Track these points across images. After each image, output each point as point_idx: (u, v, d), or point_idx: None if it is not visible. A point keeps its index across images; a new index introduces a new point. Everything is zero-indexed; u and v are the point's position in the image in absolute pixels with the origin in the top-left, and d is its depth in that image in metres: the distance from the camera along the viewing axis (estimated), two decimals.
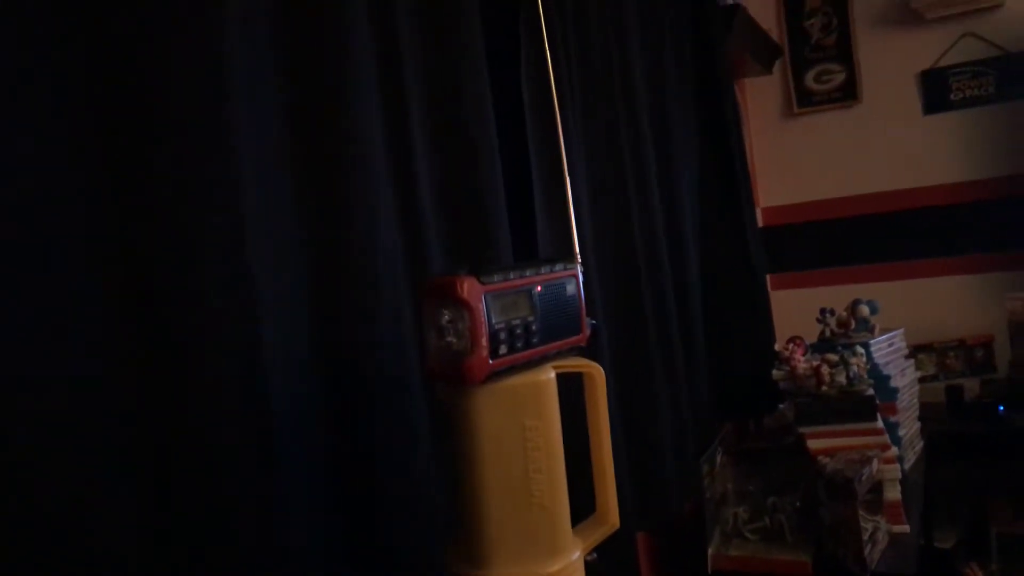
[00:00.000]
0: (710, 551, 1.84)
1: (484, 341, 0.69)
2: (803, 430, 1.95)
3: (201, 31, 0.74)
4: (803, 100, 2.99)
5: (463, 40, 1.09)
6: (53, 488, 0.62)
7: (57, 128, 0.65)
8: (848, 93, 2.92)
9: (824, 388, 1.94)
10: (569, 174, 1.27)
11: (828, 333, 2.33)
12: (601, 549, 0.82)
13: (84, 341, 0.65)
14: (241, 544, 0.73)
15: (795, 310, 2.64)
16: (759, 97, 3.03)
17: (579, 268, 0.80)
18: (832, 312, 2.35)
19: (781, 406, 2.28)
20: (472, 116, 1.09)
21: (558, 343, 0.77)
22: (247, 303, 0.75)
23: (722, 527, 1.92)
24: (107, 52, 0.69)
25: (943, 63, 2.77)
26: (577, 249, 1.01)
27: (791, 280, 3.00)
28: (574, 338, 0.79)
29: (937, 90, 2.79)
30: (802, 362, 2.02)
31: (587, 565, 0.78)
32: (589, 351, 0.82)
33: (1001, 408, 2.51)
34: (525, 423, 0.72)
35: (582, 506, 0.82)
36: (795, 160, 3.03)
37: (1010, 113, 2.71)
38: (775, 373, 2.11)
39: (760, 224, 2.92)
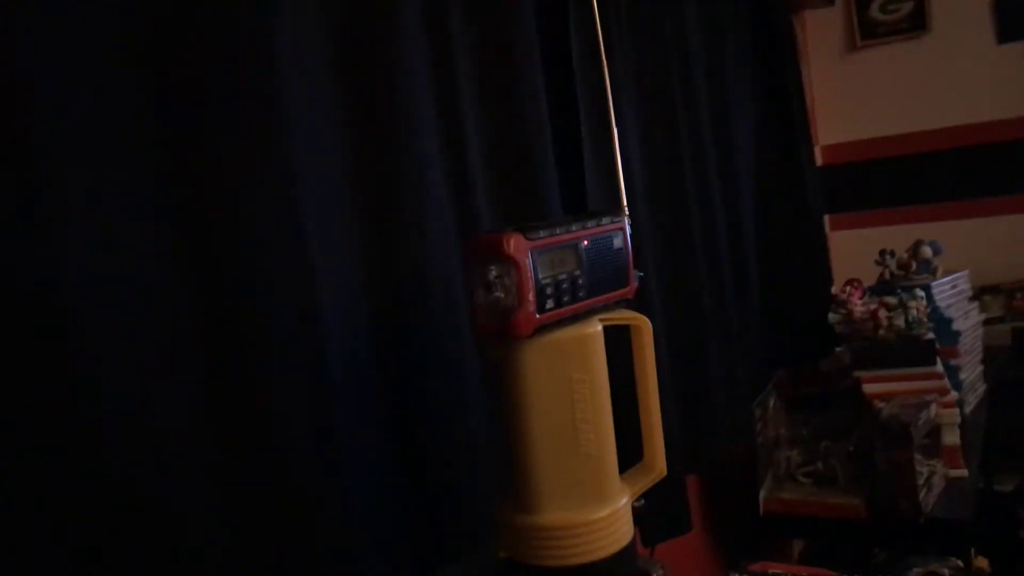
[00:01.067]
0: (762, 494, 1.86)
1: (531, 296, 0.70)
2: (859, 374, 1.93)
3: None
4: (867, 32, 2.87)
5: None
6: (127, 468, 0.65)
7: (127, 118, 0.68)
8: (916, 23, 2.79)
9: (881, 332, 1.91)
10: (618, 123, 1.26)
11: (888, 275, 2.29)
12: (649, 493, 0.84)
13: (152, 310, 0.69)
14: (304, 502, 0.77)
15: (855, 252, 2.58)
16: (821, 31, 2.91)
17: (626, 221, 0.80)
18: (892, 254, 2.29)
19: (838, 350, 2.26)
20: (520, 67, 1.08)
21: (605, 296, 0.78)
22: (301, 261, 0.78)
23: (774, 471, 1.93)
24: (168, 41, 0.71)
25: None
26: (624, 201, 1.01)
27: (851, 220, 2.92)
28: (621, 291, 0.80)
29: (1012, 17, 2.64)
30: (859, 305, 1.99)
31: (634, 510, 0.80)
32: (637, 302, 0.82)
33: None
34: (572, 375, 0.74)
35: (631, 452, 0.84)
36: (858, 96, 2.91)
37: None
38: (831, 316, 2.08)
39: (820, 163, 2.84)
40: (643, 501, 0.82)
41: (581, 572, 0.75)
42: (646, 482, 0.82)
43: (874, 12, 2.85)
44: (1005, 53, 2.68)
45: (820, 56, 2.92)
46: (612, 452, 0.77)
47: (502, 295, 0.71)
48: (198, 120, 0.72)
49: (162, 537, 0.67)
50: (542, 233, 0.71)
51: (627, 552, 0.78)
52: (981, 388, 2.25)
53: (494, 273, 0.70)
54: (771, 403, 1.97)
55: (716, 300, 1.67)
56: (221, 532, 0.72)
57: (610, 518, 0.76)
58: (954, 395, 1.89)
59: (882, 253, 2.28)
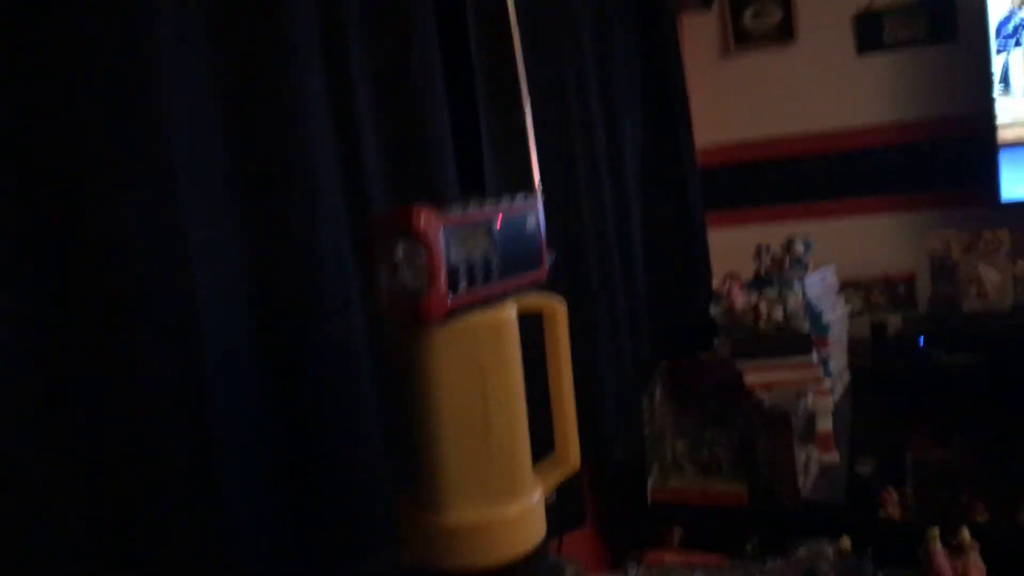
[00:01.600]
0: (649, 484, 1.88)
1: (442, 277, 0.65)
2: (740, 365, 1.99)
3: None
4: (740, 38, 2.97)
5: None
6: None
7: None
8: (785, 32, 2.91)
9: (761, 324, 1.97)
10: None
11: (763, 270, 2.37)
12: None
13: (16, 326, 0.59)
14: (181, 508, 0.69)
15: (728, 248, 2.66)
16: (696, 35, 2.99)
17: (539, 201, 0.76)
18: (768, 249, 2.38)
19: (716, 342, 2.32)
20: (417, 45, 1.03)
21: (518, 279, 0.73)
22: (179, 248, 0.70)
23: (661, 461, 1.96)
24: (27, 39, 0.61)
25: (878, 5, 2.78)
26: (538, 181, 0.97)
27: (725, 218, 3.02)
28: (535, 273, 0.76)
29: (870, 31, 2.81)
30: (740, 298, 2.05)
31: (546, 506, 0.76)
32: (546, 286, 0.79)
33: (921, 342, 2.61)
34: (484, 363, 0.69)
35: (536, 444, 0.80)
36: (731, 99, 3.02)
37: (939, 56, 2.75)
38: (712, 309, 2.13)
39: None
40: (555, 497, 0.78)
41: (493, 574, 0.70)
42: (559, 475, 0.78)
43: (747, 20, 2.96)
44: (864, 63, 2.85)
45: (695, 60, 2.99)
46: (526, 444, 0.73)
47: (410, 276, 0.65)
48: (61, 102, 0.63)
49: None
50: (455, 210, 0.66)
51: (540, 551, 0.74)
52: (846, 377, 2.38)
53: (402, 252, 0.65)
54: (657, 394, 1.99)
55: (605, 289, 1.67)
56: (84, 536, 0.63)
57: (523, 515, 0.72)
58: (828, 383, 1.98)
59: (759, 248, 2.36)
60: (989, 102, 2.51)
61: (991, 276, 2.57)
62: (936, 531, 1.44)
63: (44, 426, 0.61)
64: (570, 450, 0.79)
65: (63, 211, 0.64)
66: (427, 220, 0.64)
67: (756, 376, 1.96)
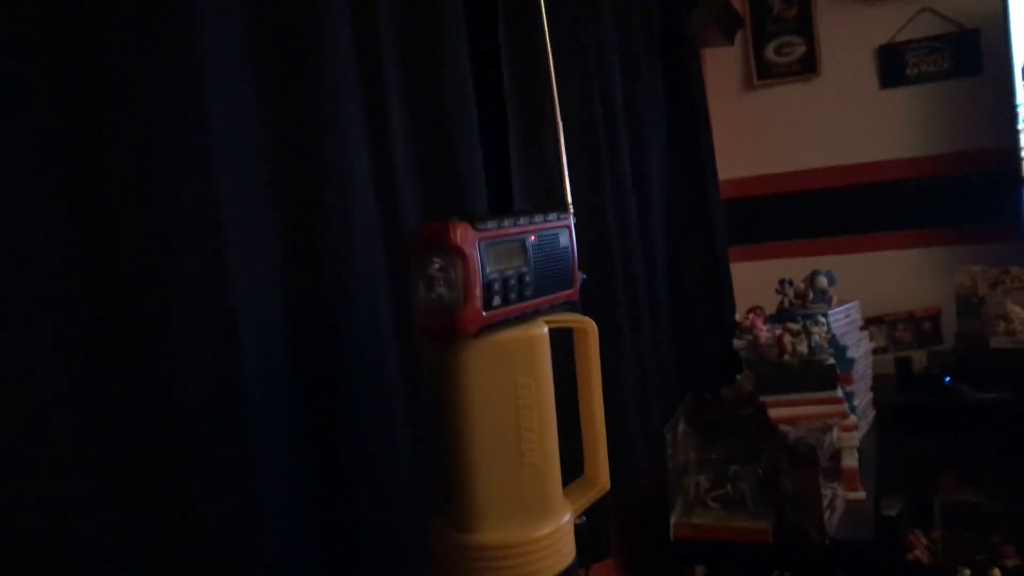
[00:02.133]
0: (672, 519, 1.84)
1: (478, 292, 0.64)
2: (764, 399, 1.96)
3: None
4: (763, 72, 2.99)
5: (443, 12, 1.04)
6: (26, 484, 0.57)
7: (31, 128, 0.60)
8: (808, 66, 2.93)
9: (786, 357, 1.95)
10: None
11: (786, 304, 2.35)
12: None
13: (55, 315, 0.60)
14: (215, 523, 0.69)
15: (751, 282, 2.65)
16: (720, 68, 3.02)
17: (572, 219, 0.76)
18: (791, 283, 2.36)
19: (739, 377, 2.29)
20: (448, 66, 1.04)
21: (551, 296, 0.73)
22: (219, 266, 0.70)
23: (684, 496, 1.92)
24: (81, 48, 0.63)
25: (900, 38, 2.79)
26: (570, 198, 0.97)
27: (747, 252, 3.01)
28: (566, 292, 0.75)
29: (894, 65, 2.82)
30: (764, 331, 2.03)
31: (576, 528, 0.75)
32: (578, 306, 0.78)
33: (947, 379, 2.57)
34: (517, 380, 0.69)
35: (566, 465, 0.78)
36: (754, 132, 3.03)
37: (963, 89, 2.75)
38: (736, 343, 2.11)
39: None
40: (584, 518, 0.77)
41: None
42: (589, 497, 0.77)
43: (769, 54, 2.98)
44: (887, 98, 2.85)
45: (719, 93, 3.02)
46: (556, 463, 0.72)
47: (445, 291, 0.65)
48: (110, 113, 0.64)
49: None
50: (490, 225, 0.66)
51: (570, 573, 0.72)
52: (871, 415, 2.34)
53: (437, 266, 0.65)
54: (680, 428, 1.97)
55: (630, 319, 1.66)
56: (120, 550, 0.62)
57: (554, 536, 0.71)
58: (853, 419, 1.95)
59: (781, 282, 2.35)
60: (1014, 136, 2.50)
61: (1018, 312, 2.54)
62: (966, 573, 1.40)
63: (81, 426, 0.61)
64: (600, 470, 0.78)
65: (106, 210, 0.64)
66: (464, 234, 0.64)
67: (780, 410, 1.93)
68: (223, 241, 0.70)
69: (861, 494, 1.91)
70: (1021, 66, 2.49)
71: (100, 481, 0.62)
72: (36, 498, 0.57)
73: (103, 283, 0.64)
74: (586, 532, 0.79)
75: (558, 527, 0.71)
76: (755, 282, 2.58)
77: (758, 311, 2.20)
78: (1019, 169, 2.51)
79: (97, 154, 0.64)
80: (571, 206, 1.09)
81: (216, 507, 0.69)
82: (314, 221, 0.82)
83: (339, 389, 0.83)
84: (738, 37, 2.98)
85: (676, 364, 2.07)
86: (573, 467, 0.80)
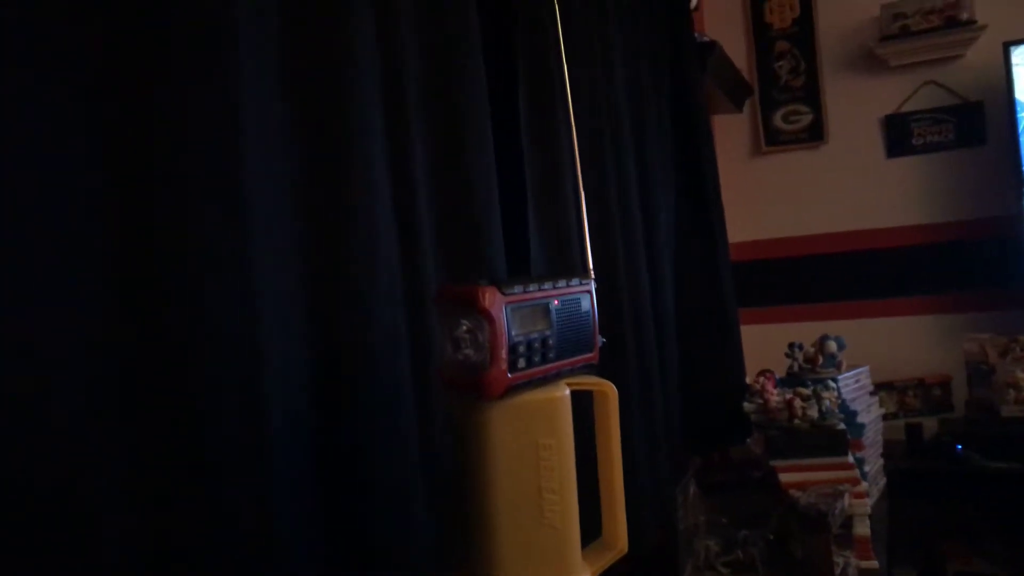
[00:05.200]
0: None
1: (504, 354, 0.66)
2: (775, 463, 1.96)
3: (210, 35, 0.72)
4: (771, 139, 3.06)
5: (464, 61, 1.09)
6: (49, 487, 0.58)
7: (63, 129, 0.63)
8: (815, 134, 2.99)
9: (796, 421, 1.95)
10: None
11: (796, 368, 2.36)
12: None
13: (82, 340, 0.62)
14: (229, 552, 0.69)
15: (759, 345, 2.66)
16: (729, 134, 3.09)
17: (592, 284, 0.78)
18: (800, 347, 2.37)
19: (748, 440, 2.29)
20: (471, 131, 1.08)
21: (572, 359, 0.75)
22: (248, 306, 0.72)
23: (695, 560, 1.90)
24: (114, 51, 0.66)
25: (905, 109, 2.86)
26: (591, 264, 1.00)
27: (756, 315, 3.03)
28: (587, 355, 0.77)
29: (899, 135, 2.88)
30: (775, 395, 2.03)
31: None
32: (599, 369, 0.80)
33: (959, 447, 2.56)
34: (539, 440, 0.70)
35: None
36: (762, 197, 3.08)
37: (968, 159, 2.80)
38: (747, 405, 2.12)
39: None
40: None
41: None
42: (607, 559, 0.77)
43: (777, 121, 3.05)
44: (893, 166, 2.91)
45: (728, 158, 3.08)
46: (576, 525, 0.73)
47: (472, 352, 0.67)
48: (141, 118, 0.67)
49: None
50: (516, 289, 0.68)
51: None
52: (882, 481, 2.32)
53: (465, 327, 0.67)
54: (690, 491, 1.96)
55: (640, 379, 1.67)
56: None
57: None
58: (865, 485, 1.94)
59: (791, 346, 2.36)
60: (1020, 205, 2.54)
61: None
62: None
63: (101, 430, 0.62)
64: (618, 532, 0.79)
65: (134, 219, 0.66)
66: (492, 298, 0.66)
67: (791, 475, 1.92)
68: (250, 276, 0.72)
69: (874, 563, 1.89)
70: None
71: (116, 489, 0.63)
72: (52, 500, 0.59)
73: (130, 287, 0.65)
74: None
75: None
76: (764, 345, 2.60)
77: (768, 375, 2.21)
78: None
79: (131, 166, 0.66)
80: (592, 271, 1.12)
81: (230, 538, 0.69)
82: (338, 262, 0.84)
83: (356, 435, 0.84)
84: (747, 105, 3.05)
85: (686, 425, 2.07)
86: (589, 528, 0.81)
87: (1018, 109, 2.52)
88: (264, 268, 0.74)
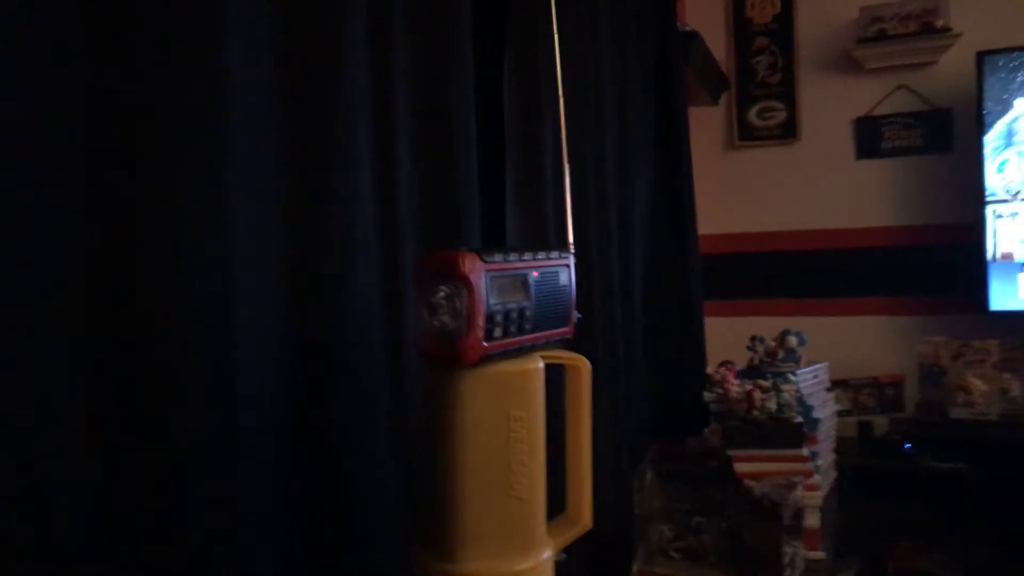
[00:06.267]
0: (635, 567, 1.84)
1: (481, 322, 0.66)
2: (731, 452, 1.98)
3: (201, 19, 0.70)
4: (745, 134, 3.08)
5: (452, 42, 1.07)
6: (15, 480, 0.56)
7: (48, 126, 0.61)
8: (788, 131, 3.02)
9: (755, 413, 1.98)
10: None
11: (757, 360, 2.39)
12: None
13: (51, 330, 0.60)
14: (196, 533, 0.68)
15: (721, 337, 2.69)
16: (703, 127, 3.09)
17: (572, 259, 0.78)
18: (762, 340, 2.40)
19: (706, 430, 2.31)
20: (453, 116, 1.07)
21: (548, 332, 0.74)
22: (222, 274, 0.71)
23: (648, 544, 1.93)
24: (101, 51, 0.64)
25: (877, 112, 2.90)
26: (571, 238, 0.99)
27: (719, 308, 3.05)
28: (563, 329, 0.77)
29: (870, 137, 2.92)
30: (735, 386, 2.06)
31: (556, 565, 0.75)
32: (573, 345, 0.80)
33: (908, 446, 2.62)
34: (511, 412, 0.69)
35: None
36: (733, 191, 3.10)
37: (933, 165, 2.85)
38: (707, 395, 2.14)
39: None
40: (564, 556, 0.77)
41: None
42: (571, 534, 0.77)
43: (752, 116, 3.07)
44: (862, 168, 2.95)
45: (700, 150, 3.09)
46: (543, 499, 0.73)
47: (449, 319, 0.66)
48: (127, 115, 0.65)
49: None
50: (497, 258, 0.68)
51: None
52: (832, 476, 2.37)
53: (443, 294, 0.66)
54: (647, 477, 1.98)
55: (607, 363, 1.67)
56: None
57: (535, 570, 0.71)
58: (817, 478, 1.97)
59: (753, 339, 2.39)
60: (981, 214, 2.59)
61: (978, 385, 2.60)
62: None
63: (76, 424, 0.61)
64: (583, 508, 0.79)
65: (118, 206, 0.65)
66: (471, 265, 0.65)
67: (747, 465, 1.95)
68: (230, 248, 0.71)
69: (821, 554, 1.93)
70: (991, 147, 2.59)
71: (91, 480, 0.61)
72: (26, 493, 0.57)
73: (109, 281, 0.64)
74: (566, 565, 0.79)
75: (539, 562, 0.72)
76: (726, 337, 2.62)
77: (729, 366, 2.23)
78: (984, 247, 2.59)
79: (114, 154, 0.65)
80: (572, 246, 1.12)
81: (200, 522, 0.68)
82: (318, 235, 0.83)
83: (327, 406, 0.83)
84: (722, 98, 3.07)
85: (646, 411, 2.08)
86: (553, 503, 0.81)
87: (985, 119, 2.57)
88: (242, 251, 0.73)
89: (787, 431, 1.96)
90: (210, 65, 0.70)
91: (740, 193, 3.09)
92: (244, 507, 0.72)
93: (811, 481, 1.93)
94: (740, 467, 1.95)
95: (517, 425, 0.70)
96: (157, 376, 0.66)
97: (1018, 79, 2.54)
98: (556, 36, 1.16)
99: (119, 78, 0.65)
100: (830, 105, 2.95)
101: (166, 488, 0.66)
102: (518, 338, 0.70)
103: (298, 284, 0.81)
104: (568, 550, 0.79)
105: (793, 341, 2.37)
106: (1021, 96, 2.54)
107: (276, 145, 0.80)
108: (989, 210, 2.58)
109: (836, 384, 2.78)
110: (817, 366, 2.38)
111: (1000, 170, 2.58)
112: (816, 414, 2.19)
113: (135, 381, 0.65)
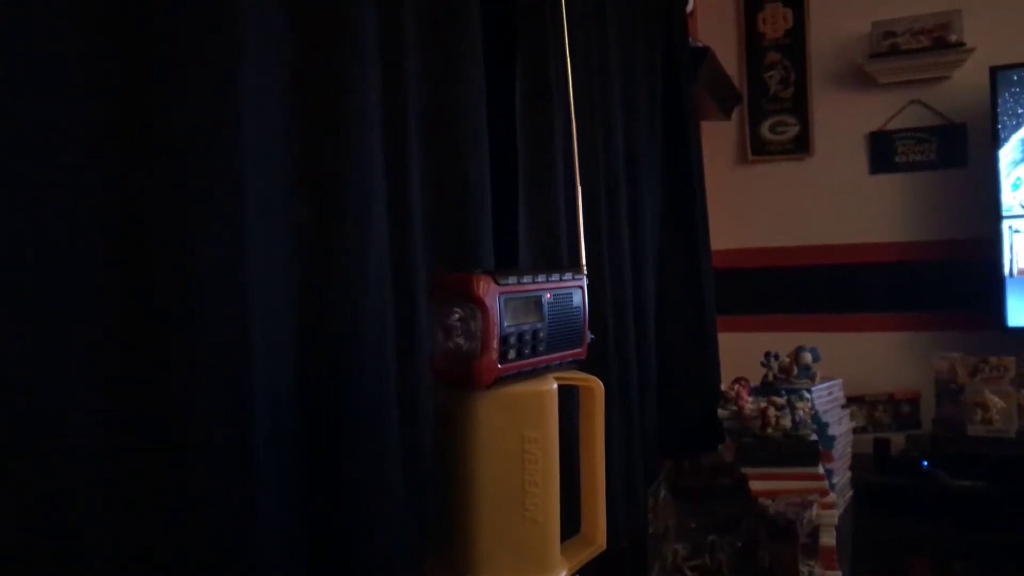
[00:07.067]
0: None
1: (495, 344, 0.66)
2: (746, 470, 1.97)
3: (215, 29, 0.71)
4: (757, 148, 3.07)
5: (463, 63, 1.09)
6: (34, 485, 0.57)
7: (64, 125, 0.62)
8: (801, 146, 3.01)
9: (770, 430, 1.97)
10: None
11: (771, 377, 2.37)
12: None
13: (66, 335, 0.61)
14: (208, 544, 0.68)
15: (735, 353, 2.67)
16: (715, 141, 3.10)
17: (584, 280, 0.78)
18: (776, 356, 2.39)
19: (720, 447, 2.30)
20: (466, 137, 1.08)
21: (561, 354, 0.75)
22: (238, 292, 0.71)
23: (662, 563, 1.91)
24: (114, 48, 0.66)
25: (891, 126, 2.89)
26: (584, 260, 1.00)
27: (733, 323, 3.04)
28: (576, 350, 0.77)
29: (883, 151, 2.91)
30: (749, 403, 2.05)
31: None
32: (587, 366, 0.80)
33: (925, 464, 2.59)
34: (525, 433, 0.70)
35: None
36: (746, 206, 3.09)
37: (948, 180, 2.84)
38: (721, 412, 2.13)
39: None
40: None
41: None
42: (585, 555, 0.77)
43: (764, 131, 3.07)
44: (876, 182, 2.94)
45: (713, 165, 3.09)
46: (557, 520, 0.73)
47: (463, 341, 0.66)
48: (145, 124, 0.66)
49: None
50: (511, 280, 0.68)
51: None
52: (848, 494, 2.35)
53: (457, 315, 0.66)
54: (661, 494, 1.97)
55: (620, 381, 1.67)
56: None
57: None
58: (833, 496, 1.96)
59: (767, 355, 2.37)
60: (997, 229, 2.57)
61: (996, 402, 2.58)
62: None
63: (90, 434, 0.61)
64: (597, 529, 0.78)
65: (135, 219, 0.66)
66: (486, 288, 0.66)
67: (762, 483, 1.93)
68: (243, 262, 0.72)
69: (837, 573, 1.91)
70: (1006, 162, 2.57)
71: (104, 489, 0.62)
72: (41, 501, 0.58)
73: (127, 292, 0.65)
74: None
75: None
76: (740, 353, 2.61)
77: (743, 382, 2.22)
78: (1000, 263, 2.57)
79: (133, 159, 0.66)
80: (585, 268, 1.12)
81: (212, 534, 0.69)
82: (331, 253, 0.84)
83: (340, 422, 0.84)
84: (735, 113, 3.07)
85: (659, 428, 2.07)
86: (564, 525, 0.81)
87: (1000, 133, 2.56)
88: (257, 261, 0.74)
89: (802, 448, 1.94)
90: (224, 75, 0.72)
91: (753, 208, 3.09)
92: (256, 523, 0.72)
93: (827, 499, 1.92)
94: (755, 485, 1.94)
95: (531, 446, 0.70)
96: (171, 398, 0.67)
97: None
98: (565, 55, 1.17)
99: (135, 90, 0.66)
100: (843, 120, 2.95)
101: (179, 515, 0.67)
102: (532, 359, 0.70)
103: (312, 295, 0.82)
104: (582, 570, 0.79)
105: (808, 357, 2.35)
106: None
107: (287, 153, 0.80)
108: (1005, 225, 2.57)
109: (851, 400, 2.76)
110: (832, 382, 2.37)
111: (1016, 187, 2.57)
112: (831, 431, 2.17)
113: (151, 399, 0.66)
